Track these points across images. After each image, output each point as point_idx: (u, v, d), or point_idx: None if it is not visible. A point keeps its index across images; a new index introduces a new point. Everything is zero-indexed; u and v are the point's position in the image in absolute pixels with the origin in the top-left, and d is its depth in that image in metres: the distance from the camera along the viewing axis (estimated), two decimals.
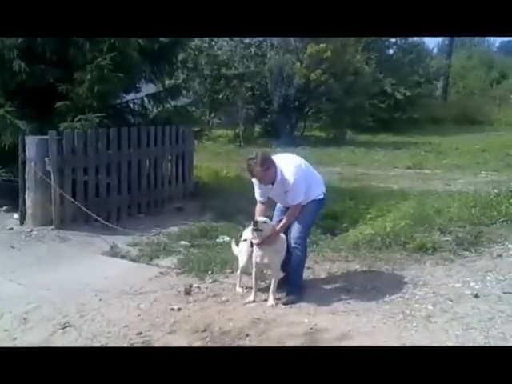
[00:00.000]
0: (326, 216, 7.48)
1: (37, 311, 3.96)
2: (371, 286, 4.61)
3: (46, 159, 6.10)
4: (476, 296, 4.36)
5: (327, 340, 3.61)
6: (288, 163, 4.26)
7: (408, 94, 20.58)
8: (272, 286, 4.29)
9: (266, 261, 4.28)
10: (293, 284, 4.42)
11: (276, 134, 16.36)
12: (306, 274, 4.95)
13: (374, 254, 5.36)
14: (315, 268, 5.08)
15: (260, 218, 4.27)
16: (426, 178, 10.54)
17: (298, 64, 15.51)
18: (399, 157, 13.62)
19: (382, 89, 19.86)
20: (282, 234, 4.44)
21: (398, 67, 21.61)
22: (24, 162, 6.24)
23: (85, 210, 6.11)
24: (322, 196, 4.45)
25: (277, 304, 4.19)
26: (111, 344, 3.50)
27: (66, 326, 3.74)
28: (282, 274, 4.50)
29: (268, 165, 4.12)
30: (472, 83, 29.97)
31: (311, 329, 3.78)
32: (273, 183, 4.22)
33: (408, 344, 3.53)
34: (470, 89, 29.51)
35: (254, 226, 4.17)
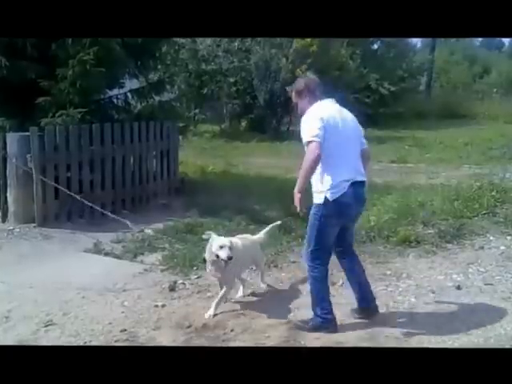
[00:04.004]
0: (310, 210, 7.50)
1: (19, 309, 3.92)
2: None
3: (28, 156, 6.03)
4: (458, 288, 4.42)
5: (311, 334, 3.62)
6: (324, 104, 3.66)
7: (392, 88, 20.65)
8: (218, 297, 3.95)
9: (212, 271, 4.01)
10: (313, 309, 3.72)
11: (262, 128, 16.33)
12: (291, 268, 4.98)
13: (358, 248, 5.39)
14: (300, 261, 5.10)
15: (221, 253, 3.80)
16: (410, 172, 10.60)
17: (284, 59, 15.49)
18: (384, 151, 13.65)
19: (367, 84, 19.91)
20: (239, 241, 4.11)
21: (382, 62, 21.67)
22: (5, 159, 6.16)
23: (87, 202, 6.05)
24: (321, 200, 3.47)
25: (214, 316, 3.84)
26: (94, 341, 3.48)
27: (49, 324, 3.70)
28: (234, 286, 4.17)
29: (301, 91, 3.70)
30: (455, 78, 30.20)
31: (295, 323, 3.80)
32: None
33: (391, 336, 3.57)
34: (453, 83, 29.72)
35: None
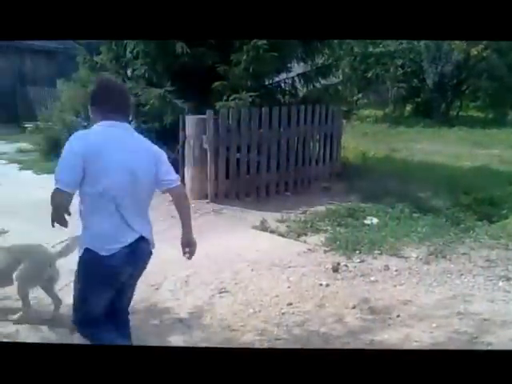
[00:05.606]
0: (482, 202, 7.00)
1: (196, 276, 4.28)
2: None
3: (204, 137, 6.50)
4: None
5: (483, 327, 3.42)
6: (101, 130, 2.54)
7: None
8: None
9: None
10: None
11: (429, 113, 15.54)
12: (461, 260, 4.70)
13: None
14: (471, 254, 4.81)
15: None
16: None
17: None
18: None
19: None
20: None
21: None
22: (184, 140, 6.72)
23: None
24: (80, 253, 2.56)
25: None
26: (263, 312, 3.67)
27: (223, 291, 4.00)
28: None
29: (91, 97, 2.64)
30: None
31: (465, 315, 3.60)
32: None
33: None
34: None
35: None
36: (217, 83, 6.89)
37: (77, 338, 2.87)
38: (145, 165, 2.58)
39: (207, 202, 6.49)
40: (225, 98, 6.84)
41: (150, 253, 2.71)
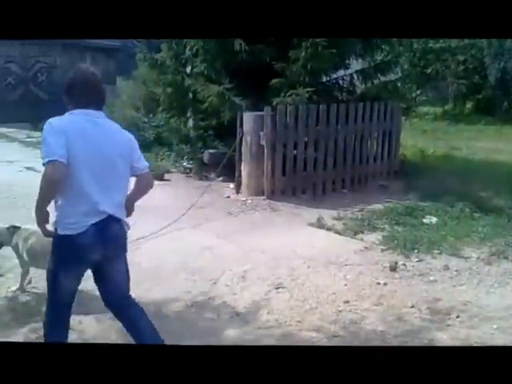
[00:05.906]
0: None
1: (253, 271, 4.34)
2: None
3: (261, 134, 6.56)
4: None
5: None
6: (78, 115, 2.61)
7: None
8: None
9: None
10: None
11: (490, 111, 15.00)
12: None
13: None
14: None
15: None
16: None
17: None
18: None
19: None
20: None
21: None
22: (241, 137, 6.80)
23: None
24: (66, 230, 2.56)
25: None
26: (320, 308, 3.70)
27: (279, 287, 4.04)
28: None
29: (66, 88, 2.68)
30: None
31: None
32: None
33: None
34: None
35: None
36: (274, 80, 6.92)
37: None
38: (119, 149, 2.64)
39: (263, 199, 6.55)
40: (282, 94, 6.87)
41: (124, 233, 2.71)
